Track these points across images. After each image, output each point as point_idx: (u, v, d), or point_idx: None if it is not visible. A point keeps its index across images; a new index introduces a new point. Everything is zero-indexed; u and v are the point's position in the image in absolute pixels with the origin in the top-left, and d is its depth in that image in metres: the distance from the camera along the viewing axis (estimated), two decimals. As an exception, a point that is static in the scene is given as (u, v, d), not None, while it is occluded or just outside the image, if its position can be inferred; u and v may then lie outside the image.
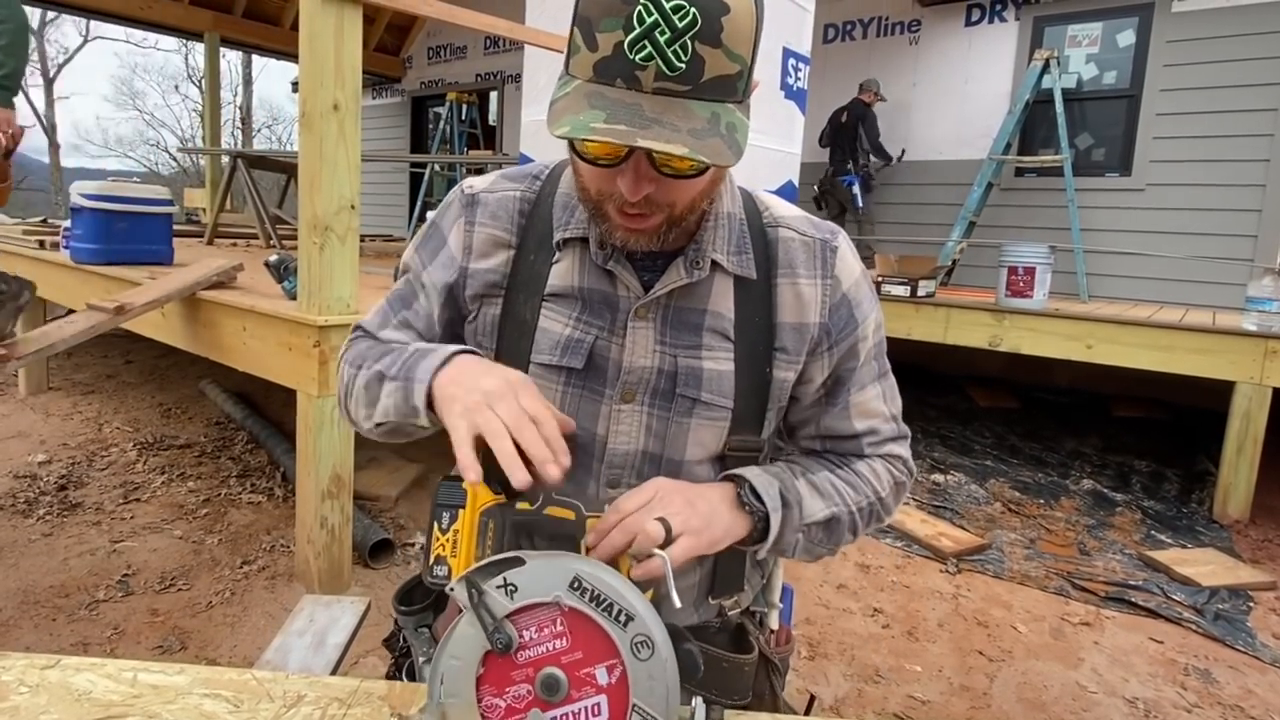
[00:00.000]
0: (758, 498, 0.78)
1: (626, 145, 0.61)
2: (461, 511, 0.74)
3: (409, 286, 0.89)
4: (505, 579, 0.66)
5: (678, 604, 0.70)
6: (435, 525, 0.74)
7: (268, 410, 4.42)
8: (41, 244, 4.80)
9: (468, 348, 0.78)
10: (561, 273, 0.81)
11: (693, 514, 0.73)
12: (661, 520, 0.70)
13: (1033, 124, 5.75)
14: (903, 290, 4.68)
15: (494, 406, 0.67)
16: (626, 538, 0.70)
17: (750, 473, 0.80)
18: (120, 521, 3.02)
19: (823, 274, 0.84)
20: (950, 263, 5.66)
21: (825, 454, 0.91)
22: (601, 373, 0.81)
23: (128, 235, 3.91)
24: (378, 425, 0.81)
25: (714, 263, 0.80)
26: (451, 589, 0.67)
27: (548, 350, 0.80)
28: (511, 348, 0.82)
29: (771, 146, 3.69)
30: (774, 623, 0.98)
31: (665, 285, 0.79)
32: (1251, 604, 2.83)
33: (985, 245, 5.58)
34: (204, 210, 8.60)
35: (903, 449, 0.92)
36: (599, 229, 0.77)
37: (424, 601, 0.91)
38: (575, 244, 0.81)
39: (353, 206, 2.37)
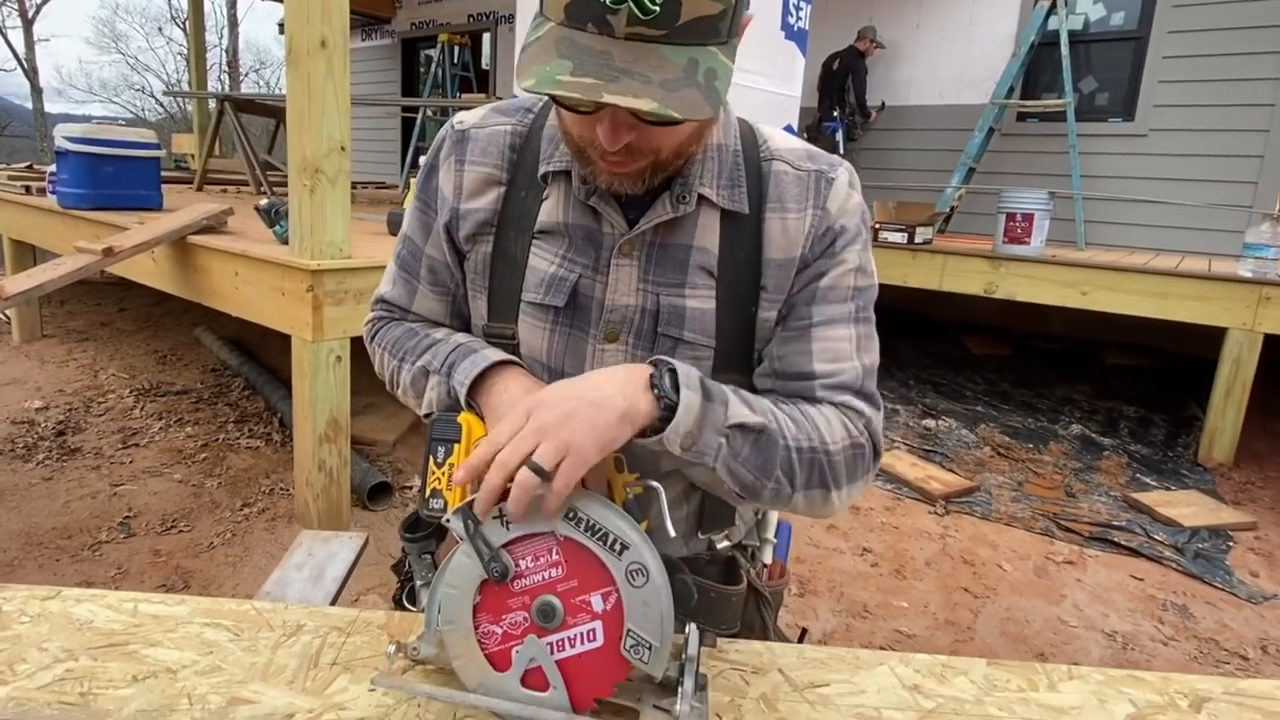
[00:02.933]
0: (674, 384, 0.68)
1: (591, 100, 0.59)
2: (457, 446, 0.76)
3: (417, 241, 0.89)
4: (501, 510, 0.67)
5: (672, 533, 0.71)
6: (431, 459, 0.76)
7: (263, 357, 4.42)
8: (28, 189, 4.73)
9: (507, 358, 0.79)
10: (549, 208, 0.80)
11: (568, 428, 0.63)
12: (530, 463, 0.63)
13: (1037, 67, 5.63)
14: (900, 237, 4.65)
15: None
16: (503, 475, 0.63)
17: (677, 362, 0.71)
18: (120, 466, 3.05)
19: (813, 205, 0.80)
20: (949, 209, 5.61)
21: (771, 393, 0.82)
22: (586, 312, 0.80)
23: (114, 179, 3.86)
24: (427, 415, 0.84)
25: (702, 197, 0.78)
26: (448, 520, 0.69)
27: (534, 288, 0.80)
28: (503, 286, 0.82)
29: (770, 89, 3.62)
30: (766, 557, 1.00)
31: (650, 220, 0.77)
32: (1231, 543, 2.90)
33: (984, 191, 5.53)
34: (192, 156, 8.43)
35: (866, 407, 0.79)
36: (584, 171, 0.75)
37: (428, 529, 0.93)
38: (561, 178, 0.80)
39: (343, 148, 2.33)
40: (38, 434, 3.30)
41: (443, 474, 0.75)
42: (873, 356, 0.82)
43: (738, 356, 0.82)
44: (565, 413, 0.64)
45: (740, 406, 0.73)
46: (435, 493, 0.75)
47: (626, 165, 0.70)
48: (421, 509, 0.76)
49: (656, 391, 0.68)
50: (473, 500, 0.69)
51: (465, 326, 0.91)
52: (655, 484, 0.73)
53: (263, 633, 0.75)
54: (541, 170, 0.80)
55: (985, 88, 5.72)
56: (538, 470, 0.62)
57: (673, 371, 0.69)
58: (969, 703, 0.71)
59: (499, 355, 0.79)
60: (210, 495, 2.84)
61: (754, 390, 0.83)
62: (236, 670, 0.69)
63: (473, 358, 0.79)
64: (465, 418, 0.76)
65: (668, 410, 0.68)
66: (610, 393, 0.66)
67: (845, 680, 0.74)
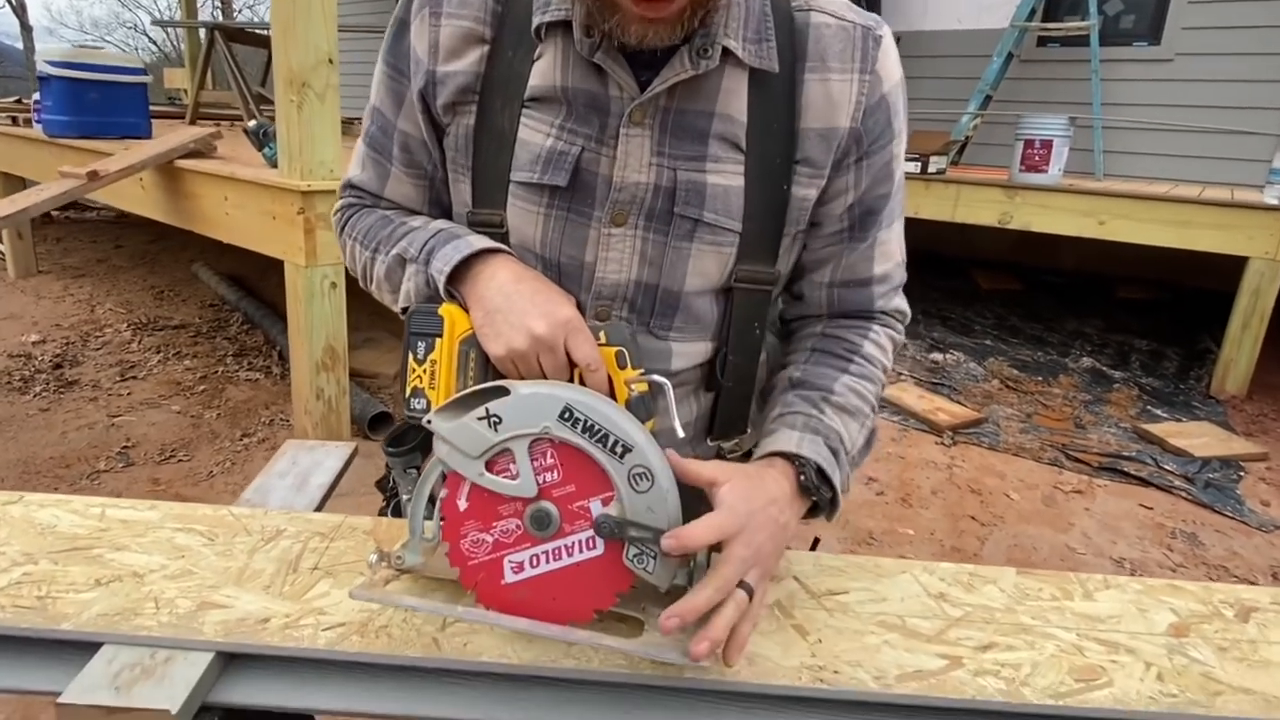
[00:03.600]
0: (824, 478, 0.68)
1: None
2: (438, 340, 0.68)
3: (388, 115, 0.78)
4: (488, 410, 0.60)
5: (680, 433, 0.65)
6: (410, 355, 0.69)
7: (262, 292, 4.35)
8: (14, 120, 4.63)
9: (495, 245, 0.71)
10: (543, 70, 0.69)
11: (773, 556, 0.63)
12: (746, 585, 0.60)
13: (1060, -14, 5.37)
14: (913, 166, 4.49)
15: (541, 358, 0.65)
16: (723, 594, 0.59)
17: (802, 446, 0.69)
18: (117, 398, 3.02)
19: (861, 68, 0.70)
20: (964, 138, 5.42)
21: (827, 321, 0.81)
22: (589, 191, 0.70)
23: (100, 106, 3.74)
24: (404, 310, 0.75)
25: (726, 52, 0.66)
26: (429, 421, 0.62)
27: (527, 166, 0.70)
28: (489, 164, 0.72)
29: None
30: None
31: (666, 80, 0.66)
32: (1242, 473, 2.87)
33: (1001, 121, 5.33)
34: (185, 91, 8.20)
35: (904, 303, 0.83)
36: (607, 23, 0.64)
37: (413, 441, 0.88)
38: (558, 32, 0.69)
39: (331, 60, 2.21)
40: (34, 367, 3.27)
41: (424, 371, 0.68)
42: (903, 241, 0.80)
43: (765, 242, 0.73)
44: (772, 538, 0.63)
45: (850, 429, 0.73)
46: (417, 392, 0.68)
47: (664, 6, 0.60)
48: (404, 409, 0.70)
49: (815, 499, 0.69)
50: (456, 399, 0.63)
51: (446, 217, 0.81)
52: (661, 379, 0.67)
53: (239, 538, 0.71)
54: (535, 22, 0.68)
55: (1005, 11, 5.45)
56: (750, 592, 0.60)
57: (818, 470, 0.68)
58: (999, 611, 0.66)
59: (485, 242, 0.70)
60: (209, 426, 2.81)
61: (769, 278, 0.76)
62: (209, 574, 0.65)
63: (455, 243, 0.70)
64: (447, 309, 0.69)
65: (829, 505, 0.70)
66: (788, 516, 0.66)
67: (866, 588, 0.69)
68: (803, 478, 0.67)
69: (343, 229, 0.82)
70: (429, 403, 0.68)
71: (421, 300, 0.72)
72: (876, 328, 0.80)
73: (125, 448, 2.60)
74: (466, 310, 0.69)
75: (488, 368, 0.69)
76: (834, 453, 0.70)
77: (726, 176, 0.70)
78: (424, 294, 0.72)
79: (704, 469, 0.63)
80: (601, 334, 0.68)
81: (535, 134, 0.70)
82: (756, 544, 0.60)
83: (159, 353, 3.54)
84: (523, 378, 0.66)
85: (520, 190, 0.71)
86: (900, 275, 0.81)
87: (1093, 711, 0.56)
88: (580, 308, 0.72)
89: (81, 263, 5.27)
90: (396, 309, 0.77)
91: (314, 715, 0.74)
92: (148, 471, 2.46)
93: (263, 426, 2.82)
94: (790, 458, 0.68)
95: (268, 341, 3.71)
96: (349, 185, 0.83)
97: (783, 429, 0.71)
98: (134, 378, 3.24)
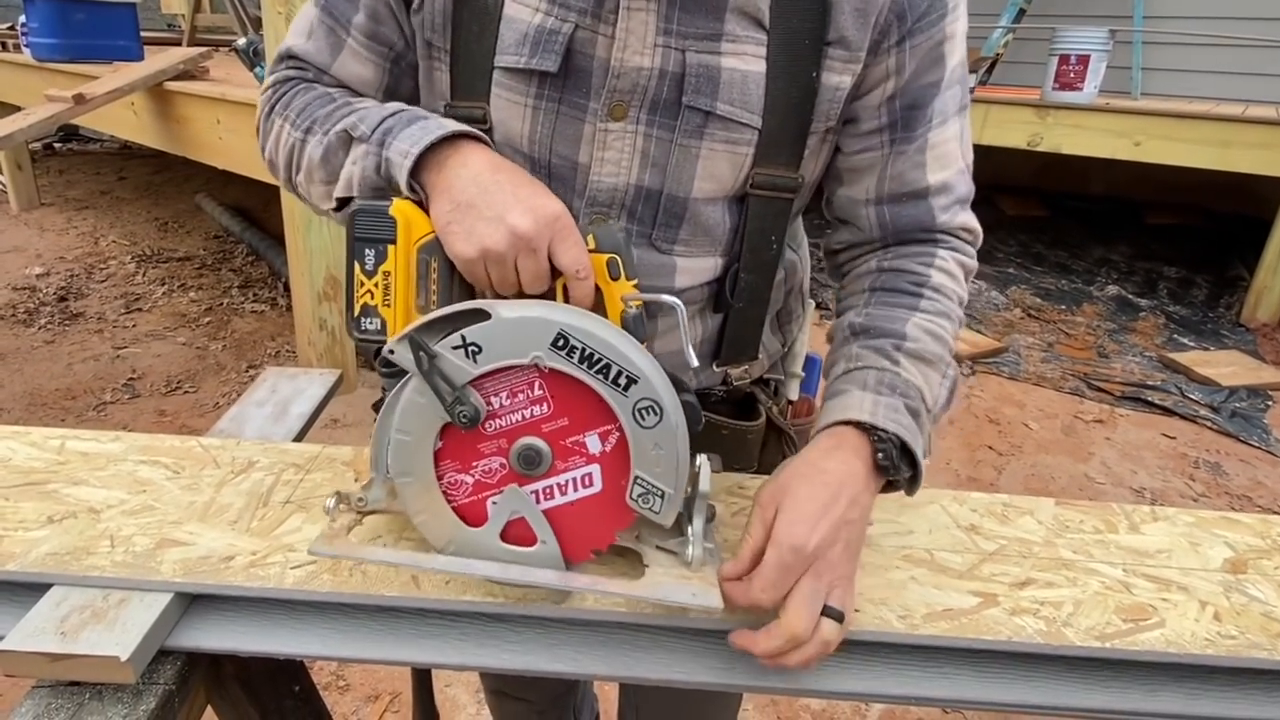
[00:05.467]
0: (906, 453, 0.58)
1: None
2: (391, 247, 0.57)
3: None
4: (465, 338, 0.51)
5: (694, 362, 0.57)
6: (357, 265, 0.57)
7: (266, 223, 4.27)
8: (3, 45, 4.49)
9: (472, 130, 0.59)
10: None
11: (850, 564, 0.54)
12: (832, 610, 0.53)
13: (1102, -116, 4.99)
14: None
15: (520, 261, 0.54)
16: (811, 649, 0.52)
17: (877, 413, 0.58)
18: (123, 330, 2.99)
19: None
20: (994, 56, 5.14)
21: (882, 253, 0.70)
22: (584, 78, 0.61)
23: (88, 28, 3.60)
24: (338, 203, 0.63)
25: None
26: (391, 351, 0.52)
27: (513, 48, 0.61)
28: (471, 47, 0.63)
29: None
30: (792, 393, 0.87)
31: None
32: (1270, 403, 2.79)
33: (1036, 33, 5.04)
34: (183, 17, 7.93)
35: (974, 220, 0.69)
36: None
37: None
38: None
39: (316, -31, 2.07)
40: (39, 300, 3.24)
41: (374, 285, 0.57)
42: (970, 144, 0.68)
43: (788, 140, 0.63)
44: (846, 548, 0.54)
45: (931, 382, 0.62)
46: (367, 310, 0.57)
47: None
48: (351, 331, 0.59)
49: (890, 476, 0.58)
50: (424, 324, 0.52)
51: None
52: (673, 300, 0.57)
53: (207, 470, 0.65)
54: None
55: (1041, -88, 5.10)
56: (839, 618, 0.53)
57: (899, 444, 0.57)
58: (1037, 545, 0.60)
59: (458, 125, 0.59)
60: (215, 358, 2.78)
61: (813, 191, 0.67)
62: (171, 510, 0.60)
63: (421, 124, 0.58)
64: (400, 208, 0.56)
65: (909, 484, 0.59)
66: (863, 504, 0.55)
67: (889, 520, 0.63)
68: (880, 455, 0.57)
69: (271, 109, 0.68)
70: (383, 323, 0.58)
71: (367, 190, 0.60)
72: (942, 252, 0.68)
73: (131, 379, 2.58)
74: (424, 209, 0.58)
75: (453, 281, 0.58)
76: (914, 414, 0.59)
77: (745, 60, 0.59)
78: (371, 181, 0.60)
79: (756, 538, 0.54)
80: (590, 238, 0.57)
81: (522, 9, 0.60)
82: (828, 576, 0.52)
83: (164, 285, 3.50)
84: (493, 285, 0.56)
85: (505, 77, 0.62)
86: (965, 186, 0.69)
87: (1143, 654, 0.51)
88: (572, 216, 0.61)
89: (85, 195, 5.20)
90: (325, 205, 0.64)
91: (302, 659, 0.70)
92: (154, 403, 2.44)
93: (269, 358, 2.79)
94: (865, 429, 0.58)
95: (273, 273, 3.66)
96: (289, 56, 0.69)
97: (852, 389, 0.60)
98: (139, 310, 3.21)
